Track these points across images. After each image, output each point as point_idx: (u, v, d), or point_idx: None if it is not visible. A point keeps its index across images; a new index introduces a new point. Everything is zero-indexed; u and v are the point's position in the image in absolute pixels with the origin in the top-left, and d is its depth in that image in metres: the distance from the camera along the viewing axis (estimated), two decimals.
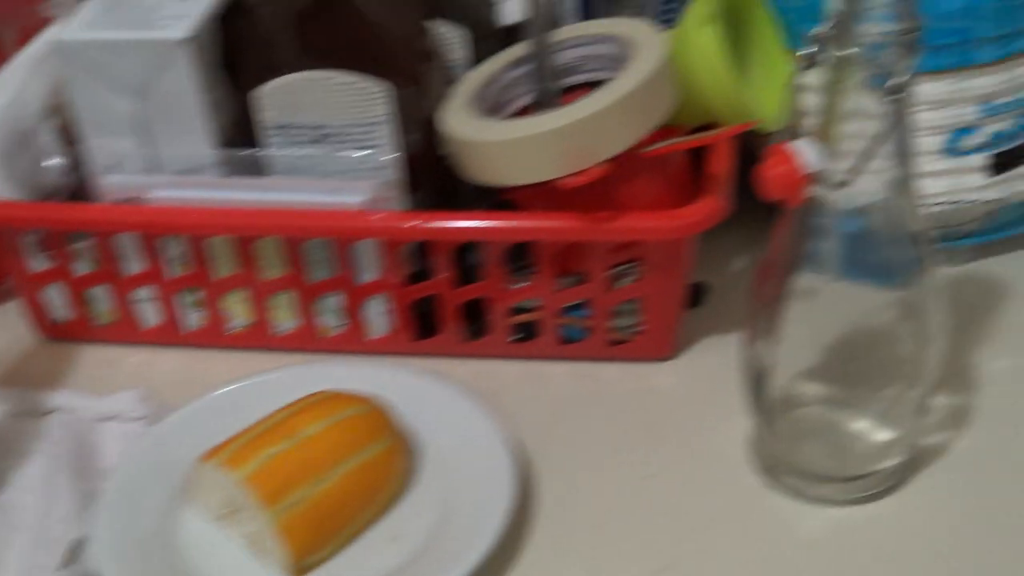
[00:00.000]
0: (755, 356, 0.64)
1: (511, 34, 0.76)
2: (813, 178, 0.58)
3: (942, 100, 0.73)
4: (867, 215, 0.61)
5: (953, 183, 0.76)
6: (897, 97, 0.55)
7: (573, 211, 0.69)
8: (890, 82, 0.55)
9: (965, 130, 0.74)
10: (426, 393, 0.71)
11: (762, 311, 0.63)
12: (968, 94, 0.73)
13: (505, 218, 0.70)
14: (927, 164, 0.75)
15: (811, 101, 0.58)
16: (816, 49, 0.56)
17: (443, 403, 0.70)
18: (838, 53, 0.55)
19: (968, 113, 0.74)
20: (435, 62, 0.74)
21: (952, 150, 0.75)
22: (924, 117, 0.74)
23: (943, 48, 0.72)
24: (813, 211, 0.60)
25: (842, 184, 0.57)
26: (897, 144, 0.58)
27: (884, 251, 0.62)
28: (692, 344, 0.76)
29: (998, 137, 0.74)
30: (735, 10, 0.76)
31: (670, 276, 0.72)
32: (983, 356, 0.73)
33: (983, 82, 0.73)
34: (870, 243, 0.62)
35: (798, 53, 0.57)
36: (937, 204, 0.76)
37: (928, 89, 0.73)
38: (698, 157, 0.73)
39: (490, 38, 0.76)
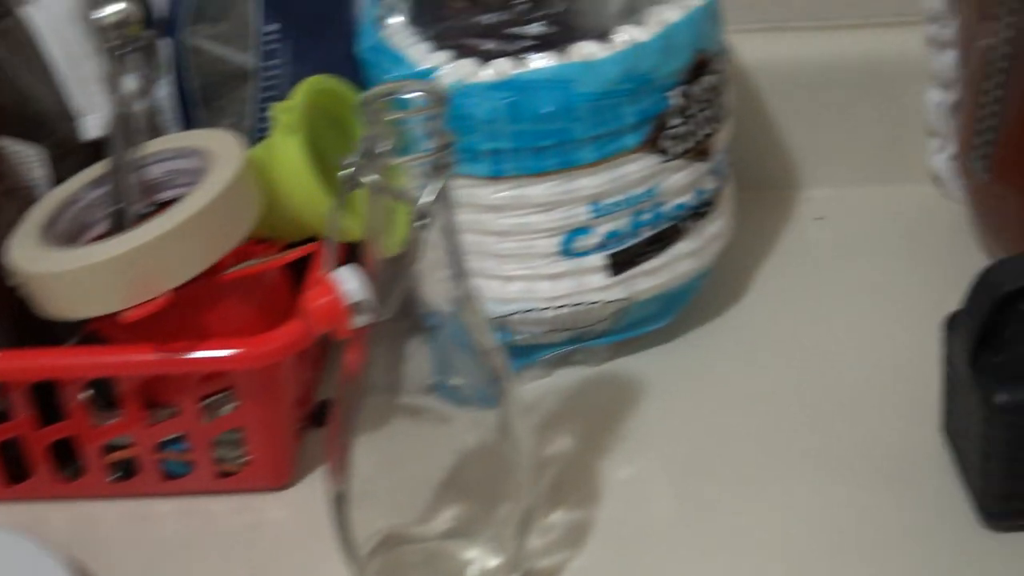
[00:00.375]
0: (335, 490, 0.60)
1: (97, 150, 0.71)
2: (357, 308, 0.54)
3: (551, 202, 0.71)
4: (441, 335, 0.58)
5: (574, 285, 0.73)
6: (424, 222, 0.52)
7: (154, 342, 0.64)
8: (419, 205, 0.52)
9: (579, 231, 0.72)
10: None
11: (338, 441, 0.59)
12: (576, 195, 0.71)
13: (74, 354, 0.65)
14: (545, 267, 0.73)
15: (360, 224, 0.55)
16: (352, 172, 0.53)
17: (18, 558, 0.64)
18: (367, 178, 0.52)
19: (580, 214, 0.71)
20: (2, 185, 0.68)
21: (568, 252, 0.72)
22: (535, 220, 0.71)
23: (544, 150, 0.69)
24: (375, 337, 0.56)
25: (383, 313, 0.54)
26: (450, 263, 0.55)
27: (464, 370, 0.59)
28: (314, 469, 0.72)
29: (612, 236, 0.72)
30: (337, 116, 0.72)
31: (270, 402, 0.67)
32: (609, 464, 0.70)
33: (589, 182, 0.70)
34: (450, 363, 0.59)
35: (338, 176, 0.54)
36: (561, 307, 0.74)
37: (535, 191, 0.70)
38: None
39: (72, 155, 0.71)
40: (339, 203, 0.54)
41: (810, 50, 0.88)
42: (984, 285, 0.60)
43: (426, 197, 0.51)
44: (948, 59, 0.83)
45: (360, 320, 0.54)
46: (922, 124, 0.88)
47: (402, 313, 0.56)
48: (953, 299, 0.63)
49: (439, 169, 0.52)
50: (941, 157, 0.87)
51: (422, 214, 0.52)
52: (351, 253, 0.57)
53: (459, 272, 0.56)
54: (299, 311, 0.57)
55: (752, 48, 0.87)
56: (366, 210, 0.53)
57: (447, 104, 0.52)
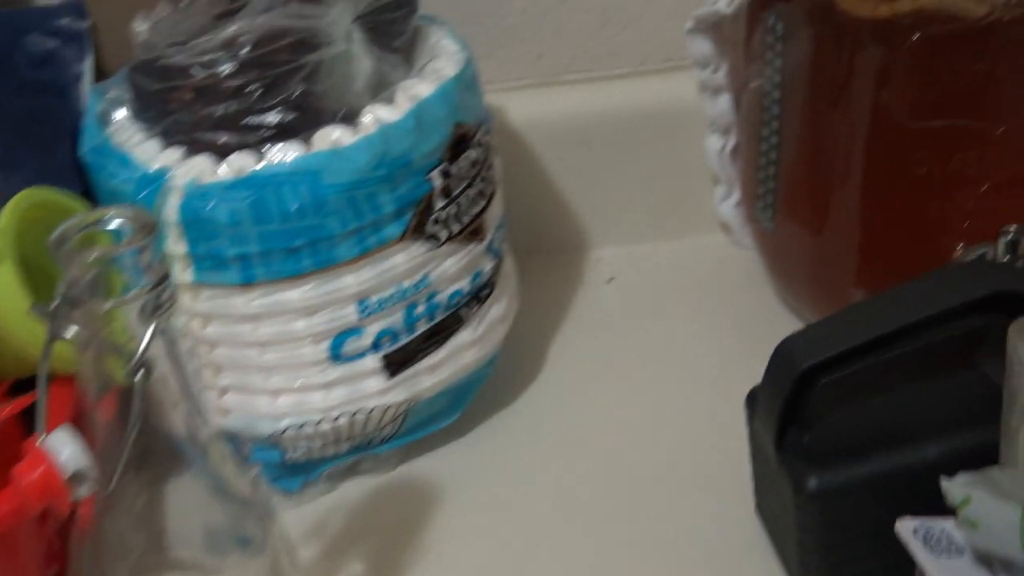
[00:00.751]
0: None
1: None
2: (76, 479, 0.46)
3: (313, 305, 0.64)
4: (192, 481, 0.50)
5: (350, 392, 0.66)
6: (143, 373, 0.44)
7: None
8: (136, 354, 0.44)
9: (348, 333, 0.65)
10: None
11: None
12: (340, 294, 0.64)
13: None
14: (315, 376, 0.65)
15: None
16: (52, 326, 0.45)
17: None
18: (68, 332, 0.44)
19: (347, 315, 0.64)
20: None
21: (338, 357, 0.65)
22: (298, 326, 0.64)
23: (298, 250, 0.62)
24: (117, 492, 0.48)
25: (106, 483, 0.46)
26: (187, 403, 0.48)
27: (223, 516, 0.52)
28: None
29: (386, 335, 0.66)
30: None
31: (8, 570, 0.58)
32: None
33: (352, 280, 0.63)
34: (206, 510, 0.51)
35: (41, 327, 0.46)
36: (338, 417, 0.66)
37: (294, 295, 0.63)
38: None
39: None
40: (45, 357, 0.46)
41: (580, 104, 0.83)
42: (781, 362, 0.55)
43: (143, 343, 0.44)
44: (723, 104, 0.79)
45: (81, 492, 0.46)
46: (706, 172, 0.84)
47: (142, 464, 0.48)
48: (753, 359, 0.58)
49: (158, 308, 0.44)
50: (728, 204, 0.83)
51: (140, 364, 0.44)
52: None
53: (196, 411, 0.48)
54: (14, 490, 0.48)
55: (520, 106, 0.82)
56: (77, 364, 0.46)
57: (156, 231, 0.44)
